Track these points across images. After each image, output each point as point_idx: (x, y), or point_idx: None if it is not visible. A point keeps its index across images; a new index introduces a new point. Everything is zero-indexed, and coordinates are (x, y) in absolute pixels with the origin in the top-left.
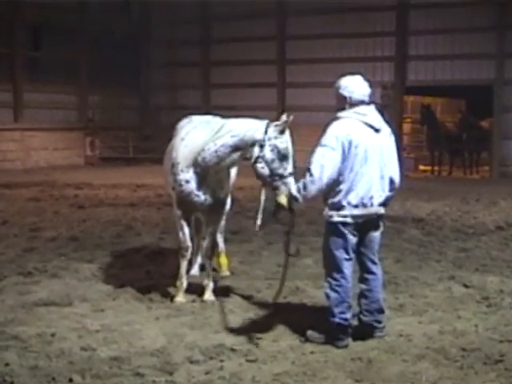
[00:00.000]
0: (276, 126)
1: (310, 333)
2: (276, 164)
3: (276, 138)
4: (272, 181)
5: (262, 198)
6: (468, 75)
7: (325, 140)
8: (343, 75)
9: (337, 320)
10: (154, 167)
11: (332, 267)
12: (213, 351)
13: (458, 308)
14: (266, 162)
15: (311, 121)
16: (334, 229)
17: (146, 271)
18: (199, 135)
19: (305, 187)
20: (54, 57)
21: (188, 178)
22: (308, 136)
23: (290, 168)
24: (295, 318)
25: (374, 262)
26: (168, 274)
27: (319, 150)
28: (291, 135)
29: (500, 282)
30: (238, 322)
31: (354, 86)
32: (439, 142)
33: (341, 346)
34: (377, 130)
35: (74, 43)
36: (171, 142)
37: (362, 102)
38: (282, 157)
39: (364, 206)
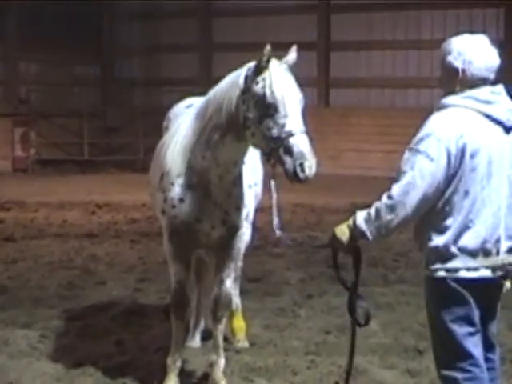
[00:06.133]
0: (257, 66)
1: None
2: (267, 122)
3: (256, 82)
4: (275, 156)
5: (273, 193)
6: None
7: (418, 142)
8: (456, 34)
9: None
10: (124, 176)
11: (452, 352)
12: None
13: None
14: (254, 125)
15: (369, 102)
16: (442, 289)
17: (116, 342)
18: (194, 127)
19: (378, 216)
20: None
21: (182, 194)
22: (363, 126)
23: (291, 123)
24: None
25: (491, 345)
26: (151, 346)
27: (407, 159)
28: (286, 76)
29: None
30: None
31: (474, 52)
32: None
33: None
34: (508, 129)
35: None
36: (161, 140)
37: (484, 81)
38: (269, 108)
39: (487, 253)
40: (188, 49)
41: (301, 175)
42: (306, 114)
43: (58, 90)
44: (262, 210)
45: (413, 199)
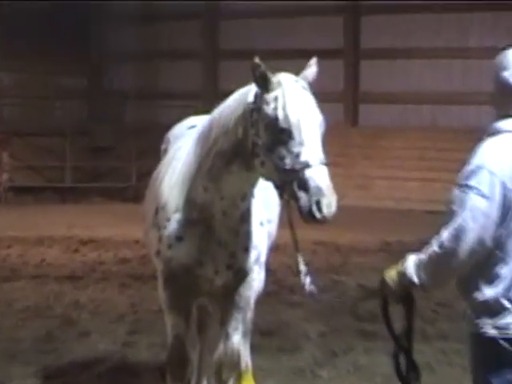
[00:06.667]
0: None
1: None
2: (279, 150)
3: (266, 102)
4: (289, 190)
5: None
6: None
7: (468, 177)
8: (509, 41)
9: None
10: (113, 206)
11: None
12: None
13: None
14: (264, 153)
15: (405, 121)
16: (490, 349)
17: None
18: (195, 152)
19: (429, 262)
20: None
21: (180, 232)
22: (397, 150)
23: (307, 152)
24: None
25: None
26: None
27: (456, 196)
28: (305, 93)
29: None
30: None
31: None
32: None
33: None
34: None
35: None
36: (158, 166)
37: None
38: (282, 133)
39: None
40: (190, 56)
41: (317, 215)
42: (329, 134)
43: (37, 105)
44: (276, 248)
45: (466, 245)
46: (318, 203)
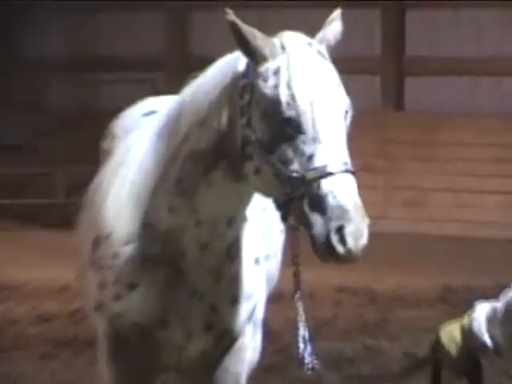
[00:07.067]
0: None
1: None
2: (282, 149)
3: (263, 77)
4: (296, 211)
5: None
6: None
7: None
8: None
9: None
10: (30, 234)
11: None
12: None
13: None
14: (260, 153)
15: (476, 102)
16: None
17: None
18: (156, 153)
19: (508, 322)
20: None
21: (133, 275)
22: (464, 146)
23: (324, 153)
24: None
25: None
26: None
27: None
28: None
29: None
30: None
31: None
32: None
33: None
34: None
35: None
36: (98, 175)
37: None
38: (286, 124)
39: None
40: (146, 5)
41: (339, 249)
42: (361, 124)
43: None
44: (279, 297)
45: None
46: (341, 231)
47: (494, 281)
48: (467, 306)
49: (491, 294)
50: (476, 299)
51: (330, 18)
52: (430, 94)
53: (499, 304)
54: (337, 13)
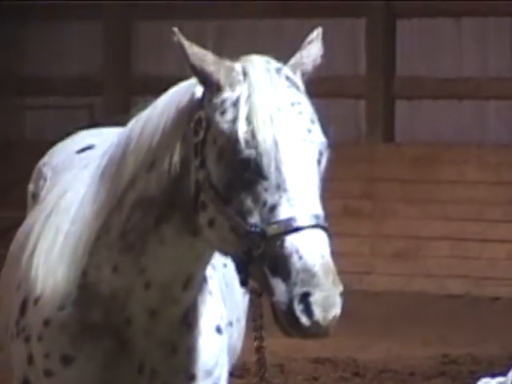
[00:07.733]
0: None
1: None
2: (240, 198)
3: (221, 110)
4: (256, 272)
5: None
6: None
7: None
8: None
9: None
10: None
11: None
12: None
13: None
14: (215, 202)
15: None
16: None
17: None
18: (96, 200)
19: None
20: None
21: (70, 347)
22: (463, 184)
23: (290, 203)
24: None
25: None
26: None
27: None
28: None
29: None
30: None
31: None
32: None
33: None
34: None
35: None
36: (23, 224)
37: None
38: (246, 167)
39: None
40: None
41: (303, 321)
42: (343, 158)
43: None
44: (243, 370)
45: None
46: (306, 299)
47: (503, 348)
48: (470, 381)
49: (499, 365)
50: (481, 372)
51: (308, 39)
52: (425, 122)
53: (505, 380)
54: (317, 32)
